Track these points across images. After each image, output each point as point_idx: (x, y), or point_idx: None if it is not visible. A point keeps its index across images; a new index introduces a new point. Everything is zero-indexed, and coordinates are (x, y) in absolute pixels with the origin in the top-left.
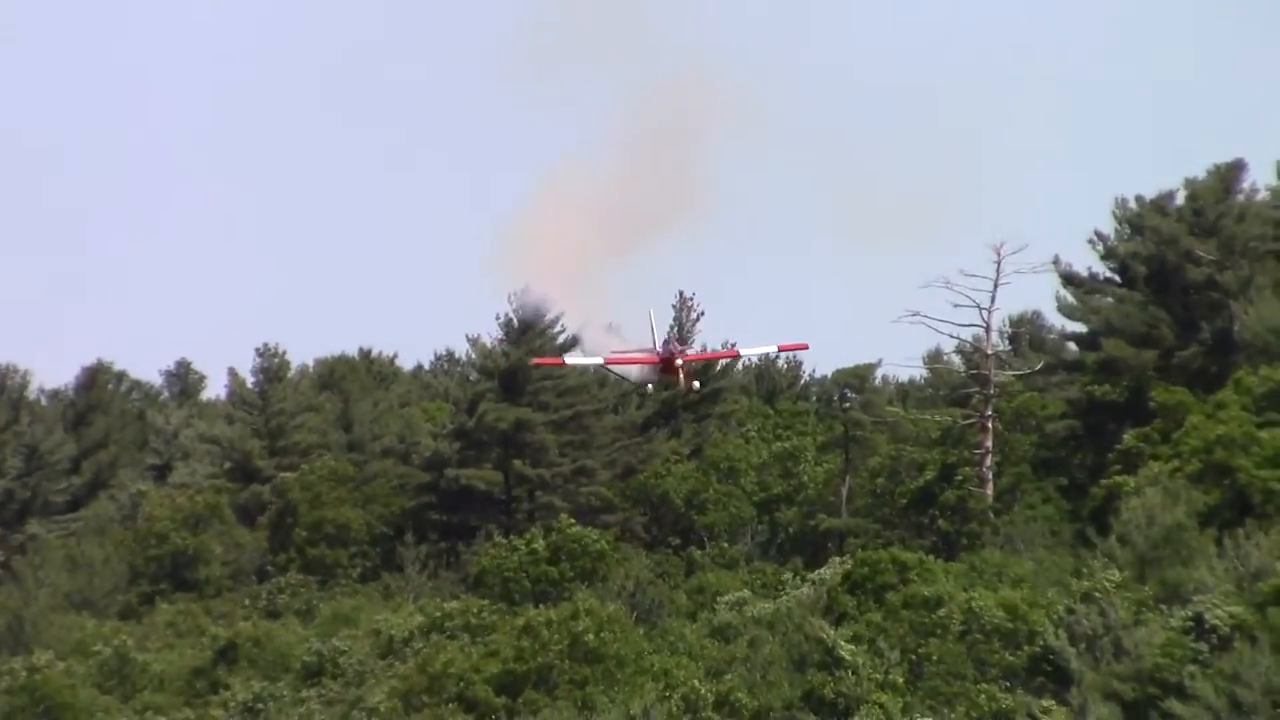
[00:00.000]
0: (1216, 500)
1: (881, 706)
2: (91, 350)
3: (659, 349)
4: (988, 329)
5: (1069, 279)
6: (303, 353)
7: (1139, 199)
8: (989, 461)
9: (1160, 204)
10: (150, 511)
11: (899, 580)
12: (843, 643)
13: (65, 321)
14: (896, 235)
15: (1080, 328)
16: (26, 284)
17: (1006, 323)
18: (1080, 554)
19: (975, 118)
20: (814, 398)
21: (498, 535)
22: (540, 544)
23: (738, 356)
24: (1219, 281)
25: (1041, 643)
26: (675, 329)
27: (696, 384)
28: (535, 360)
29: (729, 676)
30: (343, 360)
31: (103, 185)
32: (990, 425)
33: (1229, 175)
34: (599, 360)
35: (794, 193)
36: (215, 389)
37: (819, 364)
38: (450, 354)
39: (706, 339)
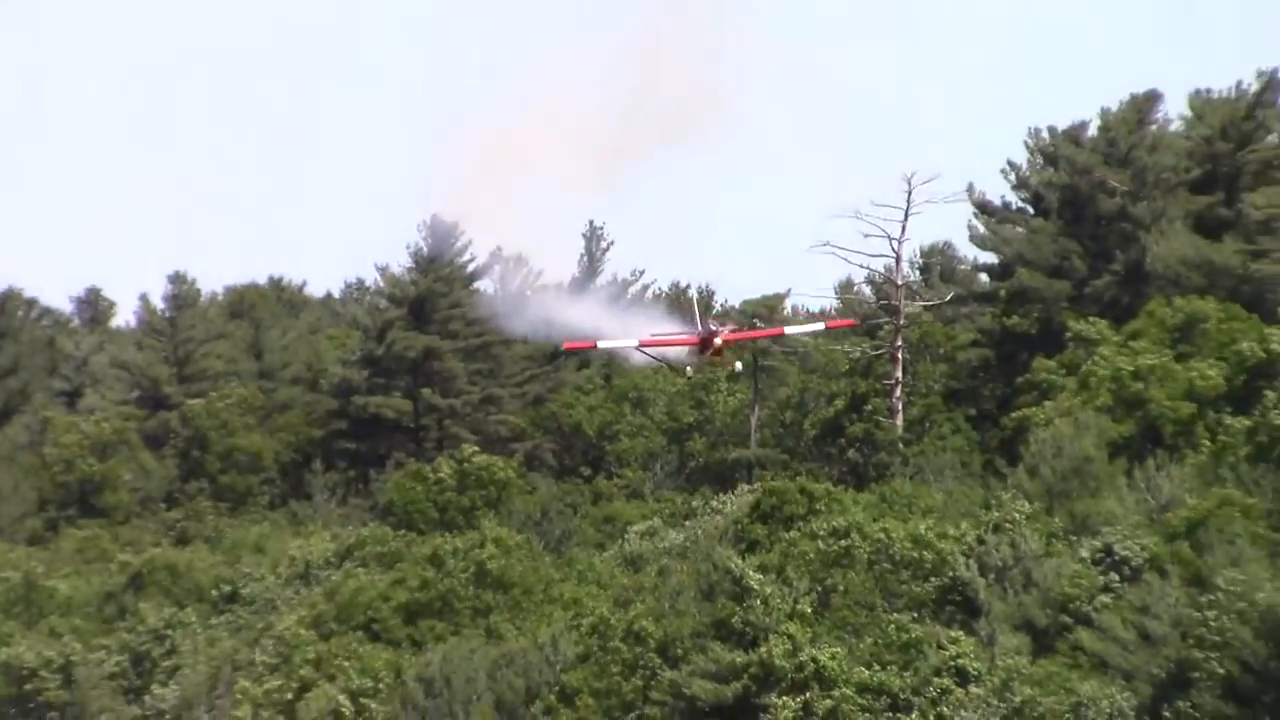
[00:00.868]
0: (1128, 431)
1: (790, 636)
2: (1, 278)
3: (699, 329)
4: (898, 259)
5: (982, 208)
6: (214, 281)
7: (1052, 129)
8: (899, 392)
9: (1074, 134)
10: (58, 438)
11: (808, 510)
12: (751, 572)
13: None
14: (810, 163)
15: (992, 258)
16: None
17: (917, 253)
18: (990, 485)
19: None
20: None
21: (409, 463)
22: (447, 472)
23: (782, 334)
24: (1131, 212)
25: (951, 573)
26: (585, 258)
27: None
28: (567, 344)
29: (637, 605)
30: (253, 288)
31: (15, 112)
32: (900, 356)
33: (1143, 106)
34: (633, 342)
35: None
36: (125, 316)
37: (731, 294)
38: (360, 282)
39: (616, 268)
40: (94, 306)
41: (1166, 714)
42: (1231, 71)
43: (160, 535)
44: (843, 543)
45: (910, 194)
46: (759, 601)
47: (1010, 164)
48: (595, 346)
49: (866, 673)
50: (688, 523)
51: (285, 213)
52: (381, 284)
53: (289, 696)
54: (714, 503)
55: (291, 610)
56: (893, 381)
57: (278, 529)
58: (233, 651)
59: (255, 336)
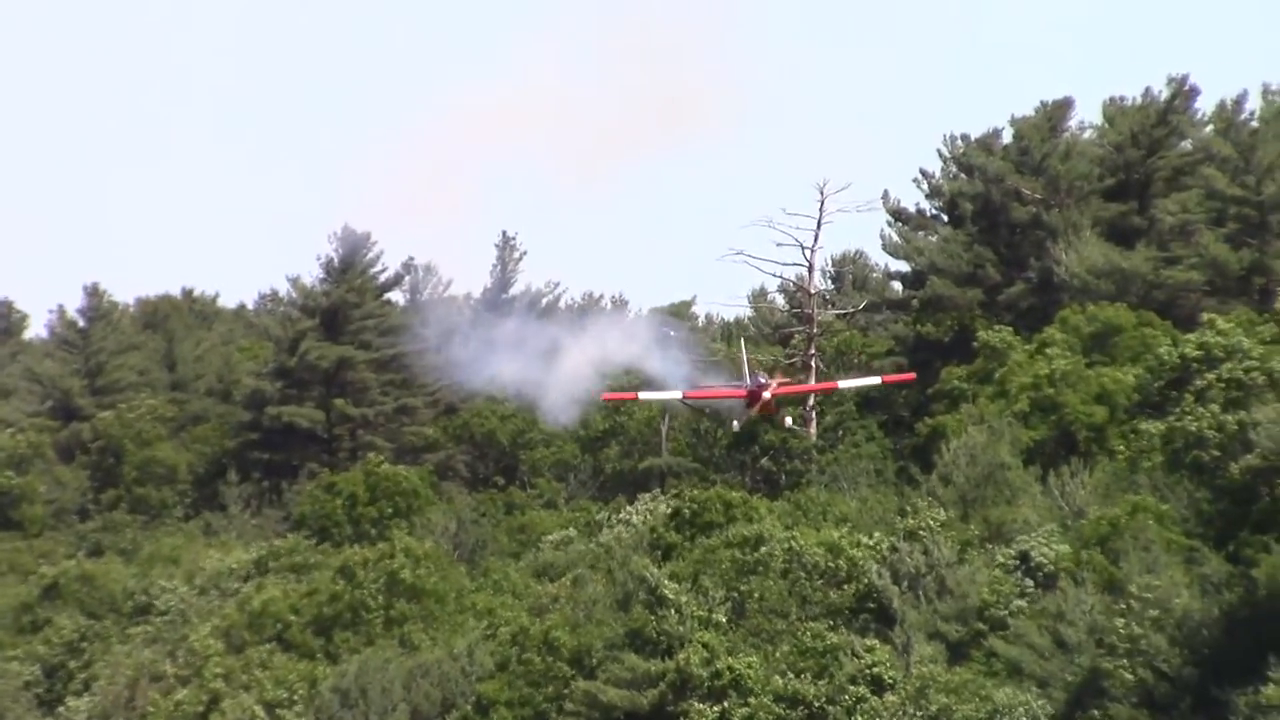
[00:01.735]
0: (1042, 438)
1: (705, 645)
2: None
3: (748, 382)
4: (810, 268)
5: (896, 214)
6: (127, 293)
7: (965, 137)
8: (811, 400)
9: (987, 142)
10: None
11: (725, 519)
12: (666, 581)
13: None
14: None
15: (905, 266)
16: None
17: (830, 262)
18: (904, 492)
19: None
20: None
21: (322, 474)
22: (359, 484)
23: (835, 389)
24: (1045, 220)
25: (865, 581)
26: (499, 268)
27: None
28: (606, 396)
29: (551, 615)
30: (165, 300)
31: None
32: (814, 364)
33: (1055, 114)
34: (678, 395)
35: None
36: (38, 329)
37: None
38: (274, 293)
39: (530, 279)
40: (6, 319)
41: None
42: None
43: (75, 547)
44: (758, 551)
45: (823, 203)
46: (674, 610)
47: (923, 172)
48: (636, 399)
49: (782, 681)
50: (602, 532)
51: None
52: (294, 295)
53: (200, 709)
54: (626, 511)
55: (203, 621)
56: None
57: (192, 540)
58: (148, 663)
59: (168, 348)
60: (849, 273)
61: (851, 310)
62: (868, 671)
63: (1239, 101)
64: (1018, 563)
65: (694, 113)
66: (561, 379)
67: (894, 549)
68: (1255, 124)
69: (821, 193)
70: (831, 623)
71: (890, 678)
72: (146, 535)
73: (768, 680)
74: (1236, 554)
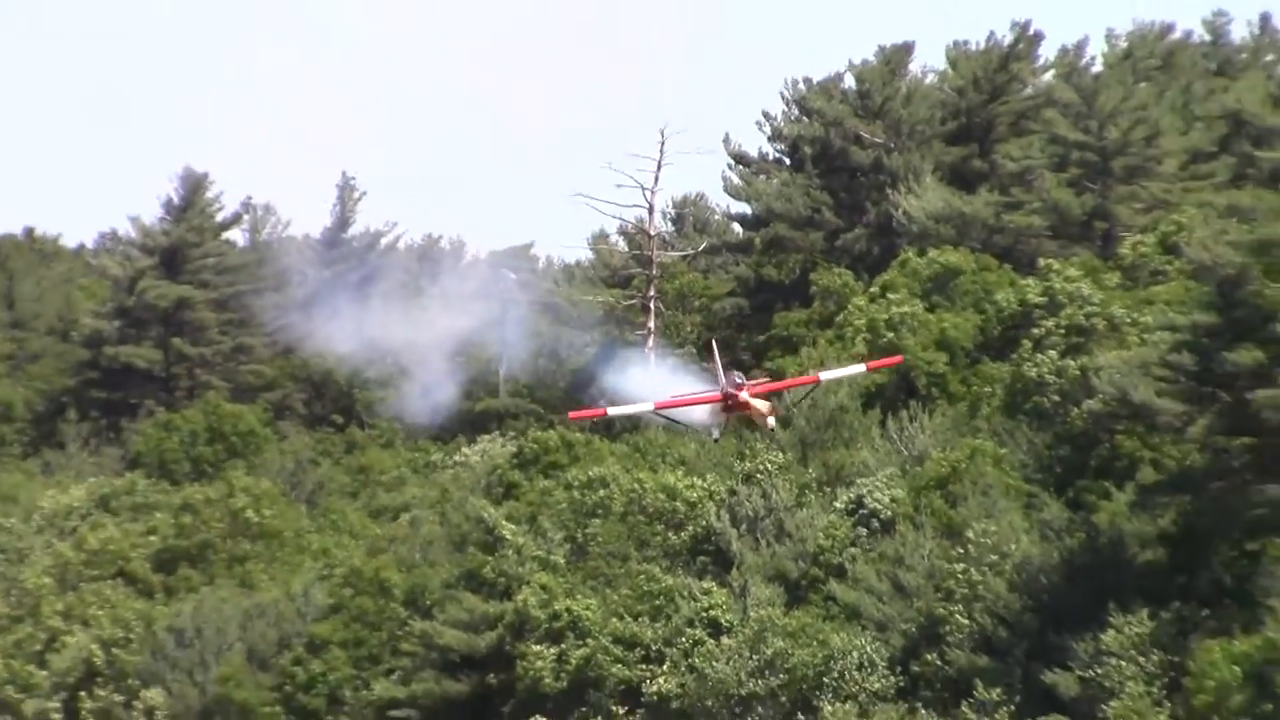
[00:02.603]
0: (882, 382)
1: (543, 587)
2: None
3: (722, 384)
4: (651, 210)
5: (738, 158)
6: None
7: (807, 81)
8: (651, 342)
9: (828, 86)
10: None
11: (568, 460)
12: (504, 522)
13: None
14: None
15: (746, 209)
16: None
17: (671, 204)
18: (743, 436)
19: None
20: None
21: (160, 413)
22: (196, 422)
23: (818, 383)
24: (885, 164)
25: (703, 524)
26: (338, 208)
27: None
28: (573, 415)
29: (382, 556)
30: (6, 240)
31: None
32: (653, 306)
33: (897, 58)
34: (649, 407)
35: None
36: None
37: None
38: (114, 233)
39: (370, 219)
40: None
41: (918, 666)
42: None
43: None
44: (597, 494)
45: (663, 145)
46: (512, 551)
47: (766, 115)
48: (605, 414)
49: (620, 623)
50: (440, 473)
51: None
52: (134, 235)
53: (38, 647)
54: (464, 452)
55: (38, 560)
56: (646, 332)
57: (30, 478)
58: None
59: (8, 286)
60: (690, 215)
61: (691, 253)
62: (705, 614)
63: (1081, 47)
64: (855, 507)
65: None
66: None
67: (732, 492)
68: (1098, 69)
69: (662, 135)
70: (669, 565)
71: (727, 621)
72: None
73: (605, 622)
74: (1076, 500)
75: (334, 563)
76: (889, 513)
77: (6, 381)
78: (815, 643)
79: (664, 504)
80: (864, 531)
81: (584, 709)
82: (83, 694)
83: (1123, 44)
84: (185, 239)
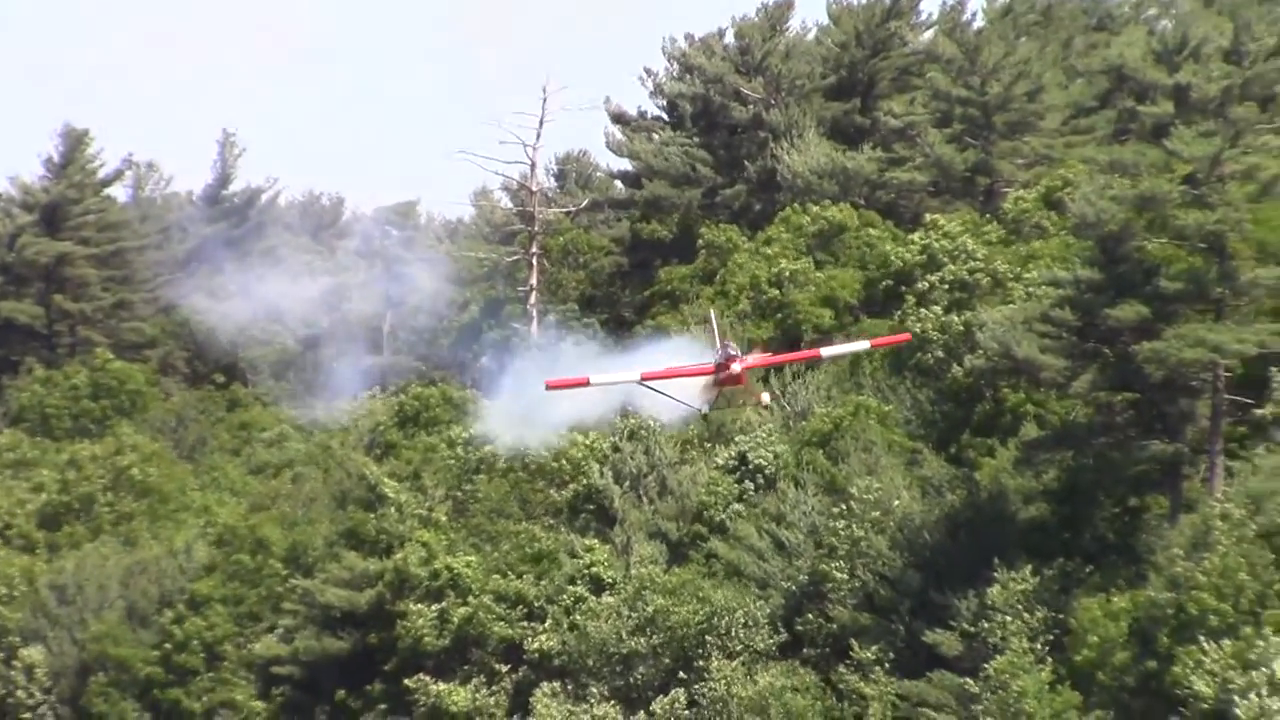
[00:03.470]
0: (766, 337)
1: (425, 544)
2: None
3: (717, 355)
4: (533, 166)
5: (617, 118)
6: None
7: (689, 37)
8: (534, 299)
9: (709, 43)
10: None
11: (449, 418)
12: (386, 479)
13: None
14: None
15: (627, 166)
16: None
17: (554, 161)
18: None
19: None
20: (358, 235)
21: (38, 369)
22: (80, 379)
23: (819, 357)
24: (766, 120)
25: (585, 481)
26: (219, 165)
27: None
28: (550, 383)
29: (261, 514)
30: None
31: None
32: (536, 262)
33: (777, 14)
34: (634, 377)
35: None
36: None
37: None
38: None
39: (250, 176)
40: None
41: (801, 624)
42: None
43: None
44: (480, 451)
45: (545, 101)
46: (393, 509)
47: (647, 72)
48: (587, 384)
49: (502, 581)
50: (321, 430)
51: None
52: (13, 191)
53: None
54: (340, 408)
55: None
56: (528, 288)
57: None
58: None
59: None
60: (573, 171)
61: (574, 209)
62: (587, 571)
63: (963, 2)
64: (738, 464)
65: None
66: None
67: (615, 449)
68: (980, 24)
69: (544, 91)
70: (552, 522)
71: (610, 578)
72: None
73: (487, 580)
74: (959, 456)
75: (215, 520)
76: (771, 469)
77: None
78: (696, 600)
79: (546, 461)
80: (750, 486)
81: (466, 667)
82: None
83: None
84: (66, 196)
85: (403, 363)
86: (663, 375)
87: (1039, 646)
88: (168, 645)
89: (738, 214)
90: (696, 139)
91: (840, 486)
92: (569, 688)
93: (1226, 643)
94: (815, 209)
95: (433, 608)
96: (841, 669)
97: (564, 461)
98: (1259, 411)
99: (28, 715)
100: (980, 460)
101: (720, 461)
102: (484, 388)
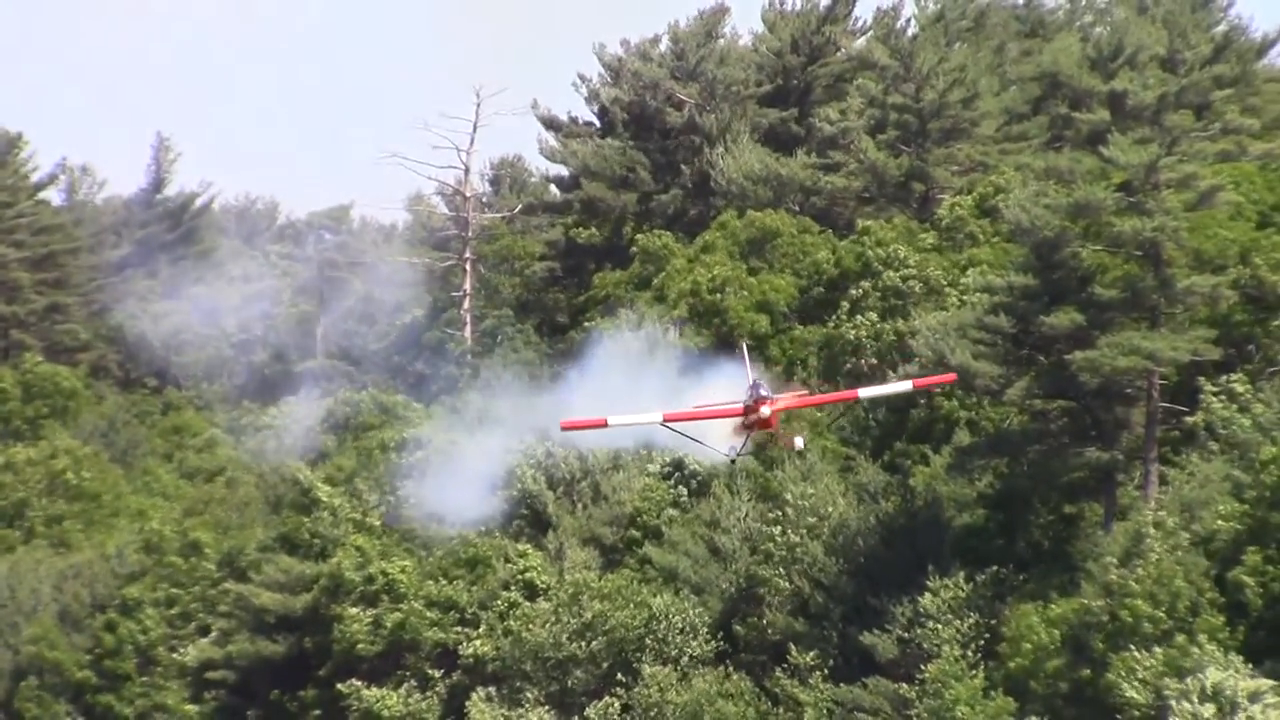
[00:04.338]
0: (702, 344)
1: (359, 549)
2: None
3: (747, 396)
4: (467, 171)
5: (549, 123)
6: None
7: (623, 43)
8: (468, 304)
9: (644, 49)
10: None
11: (381, 422)
12: (320, 484)
13: None
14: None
15: (562, 171)
16: None
17: (488, 166)
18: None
19: None
20: (292, 239)
21: None
22: (10, 381)
23: (856, 399)
24: (701, 126)
25: (519, 486)
26: (154, 169)
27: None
28: (565, 424)
29: (192, 518)
30: None
31: None
32: (470, 268)
33: (713, 20)
34: (657, 418)
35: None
36: None
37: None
38: None
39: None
40: None
41: (738, 628)
42: None
43: None
44: (414, 455)
45: (479, 106)
46: (327, 513)
47: (581, 78)
48: (605, 425)
49: (435, 586)
50: (254, 435)
51: None
52: None
53: None
54: (274, 413)
55: None
56: (462, 294)
57: None
58: None
59: None
60: (506, 176)
61: (508, 214)
62: (520, 577)
63: (897, 9)
64: (672, 470)
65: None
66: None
67: (549, 454)
68: (914, 31)
69: (478, 96)
70: (485, 528)
71: (544, 583)
72: None
73: (420, 585)
74: (893, 463)
75: (148, 524)
76: (705, 475)
77: None
78: (633, 605)
79: (479, 465)
80: (685, 492)
81: (400, 672)
82: None
83: (933, 5)
84: None
85: (337, 367)
86: (687, 417)
87: (972, 653)
88: (100, 649)
89: (672, 219)
90: (629, 143)
91: (775, 493)
92: (504, 693)
93: (1160, 650)
94: (750, 214)
95: (367, 612)
96: (778, 674)
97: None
98: (1193, 419)
99: None
100: (915, 467)
101: (655, 468)
102: (418, 393)
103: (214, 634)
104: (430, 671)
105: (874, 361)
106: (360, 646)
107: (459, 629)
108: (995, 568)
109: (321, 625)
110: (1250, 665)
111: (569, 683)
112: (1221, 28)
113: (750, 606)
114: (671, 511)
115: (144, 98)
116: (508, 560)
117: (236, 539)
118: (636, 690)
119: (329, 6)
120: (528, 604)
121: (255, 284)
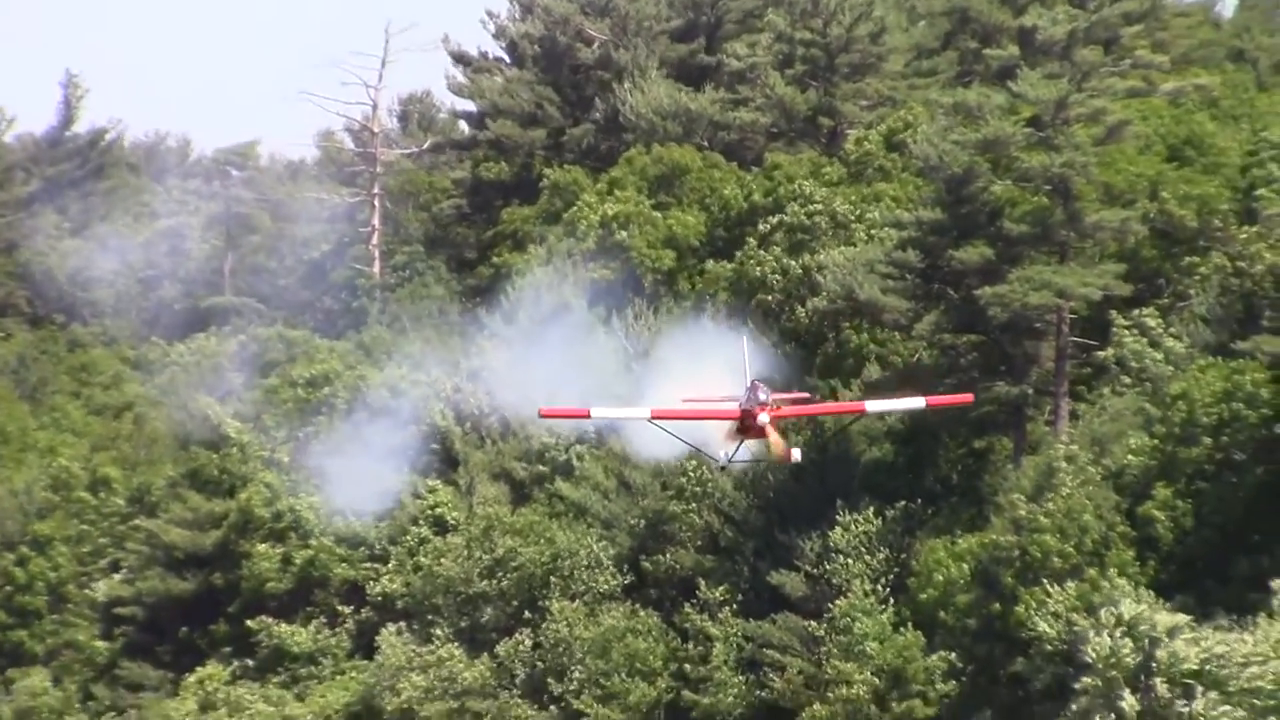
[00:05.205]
0: (609, 279)
1: (267, 485)
2: None
3: (743, 399)
4: (375, 108)
5: (459, 59)
6: None
7: None
8: (376, 239)
9: None
10: None
11: (286, 358)
12: (229, 420)
13: None
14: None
15: (471, 107)
16: None
17: (396, 102)
18: (470, 333)
19: None
20: (200, 176)
21: None
22: None
23: (863, 413)
24: (611, 61)
25: (428, 422)
26: (63, 106)
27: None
28: (544, 412)
29: (99, 454)
30: None
31: None
32: (378, 204)
33: None
34: (645, 414)
35: None
36: None
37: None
38: None
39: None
40: None
41: (646, 564)
42: None
43: None
44: (321, 391)
45: (387, 43)
46: (236, 449)
47: (490, 13)
48: (588, 416)
49: (343, 523)
50: (162, 371)
51: None
52: None
53: None
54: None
55: None
56: (370, 229)
57: None
58: None
59: None
60: (415, 113)
61: (417, 150)
62: (430, 513)
63: None
64: None
65: None
66: None
67: (457, 390)
68: None
69: (386, 32)
70: (395, 464)
71: (453, 519)
72: None
73: (329, 521)
74: None
75: (57, 461)
76: None
77: None
78: (542, 540)
79: (388, 402)
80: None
81: (309, 608)
82: None
83: None
84: None
85: (245, 304)
86: (677, 415)
87: (881, 588)
88: (10, 586)
89: (583, 155)
90: (539, 79)
91: None
92: (414, 628)
93: (1070, 585)
94: (657, 149)
95: (276, 549)
96: (687, 609)
97: (405, 402)
98: (1103, 354)
99: None
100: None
101: None
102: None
103: (124, 571)
104: (340, 607)
105: (781, 297)
106: (270, 584)
107: (368, 564)
108: (904, 503)
109: (231, 562)
110: (1161, 600)
111: (480, 618)
112: None
113: (660, 542)
114: (580, 447)
115: (52, 34)
116: (417, 495)
117: (145, 475)
118: (545, 626)
119: None
120: (438, 539)
121: (164, 221)
